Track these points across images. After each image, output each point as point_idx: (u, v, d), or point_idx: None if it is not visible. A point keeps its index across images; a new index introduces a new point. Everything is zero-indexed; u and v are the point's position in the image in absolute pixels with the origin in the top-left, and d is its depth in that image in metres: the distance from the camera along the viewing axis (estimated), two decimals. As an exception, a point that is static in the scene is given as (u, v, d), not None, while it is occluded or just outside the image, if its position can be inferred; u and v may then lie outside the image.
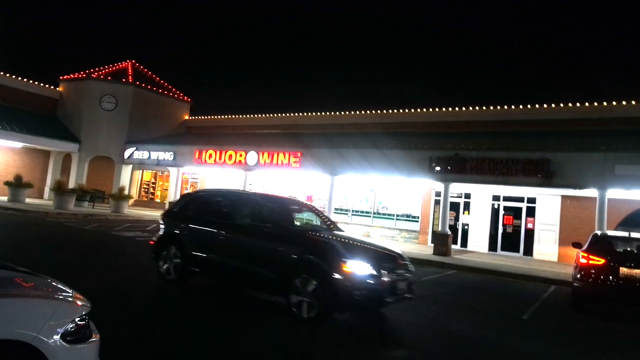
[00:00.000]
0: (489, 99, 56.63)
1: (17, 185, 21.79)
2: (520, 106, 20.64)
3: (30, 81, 27.44)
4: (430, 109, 23.00)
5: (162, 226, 8.28)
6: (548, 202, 18.48)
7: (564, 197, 18.01)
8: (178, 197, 25.10)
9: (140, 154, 26.55)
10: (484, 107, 21.63)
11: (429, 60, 67.88)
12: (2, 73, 26.03)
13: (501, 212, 19.52)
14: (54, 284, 2.94)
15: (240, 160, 22.01)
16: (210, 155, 23.07)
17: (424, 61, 68.48)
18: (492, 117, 21.26)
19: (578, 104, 19.41)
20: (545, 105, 20.05)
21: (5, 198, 21.91)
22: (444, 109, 22.66)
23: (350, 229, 22.30)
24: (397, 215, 21.60)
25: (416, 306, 8.04)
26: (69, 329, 2.57)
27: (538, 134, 18.58)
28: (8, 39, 60.18)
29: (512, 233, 19.21)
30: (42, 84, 28.09)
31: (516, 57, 66.11)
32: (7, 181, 22.01)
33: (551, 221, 18.32)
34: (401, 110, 23.84)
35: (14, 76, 26.57)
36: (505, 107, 21.04)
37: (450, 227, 18.65)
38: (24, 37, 63.80)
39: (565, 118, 19.30)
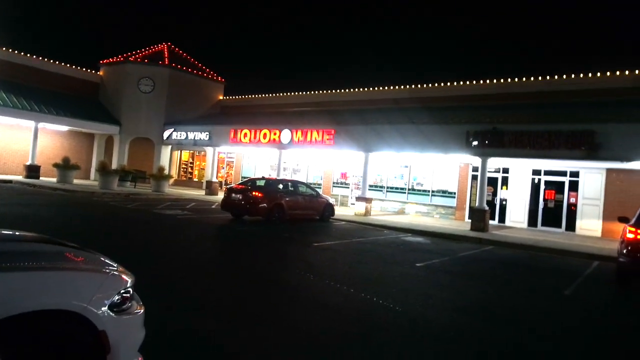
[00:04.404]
0: (528, 69, 54.31)
1: (65, 167, 22.88)
2: (564, 76, 19.67)
3: (73, 66, 28.43)
4: (467, 82, 22.31)
5: None
6: (592, 175, 17.72)
7: (609, 170, 17.21)
8: (215, 175, 25.77)
9: (178, 135, 27.21)
10: (523, 78, 20.75)
11: (464, 31, 65.40)
12: (47, 59, 27.07)
13: (542, 186, 18.91)
14: (101, 258, 3.11)
15: (274, 139, 22.18)
16: (245, 135, 23.35)
17: (458, 33, 66.05)
18: (531, 88, 20.38)
19: (618, 73, 18.29)
20: (589, 75, 19.02)
21: (54, 179, 23.09)
22: (481, 82, 21.91)
23: (385, 205, 22.27)
24: (433, 192, 21.32)
25: (453, 281, 8.01)
26: (115, 300, 2.72)
27: (581, 105, 17.71)
28: (51, 27, 62.25)
29: (553, 208, 18.61)
30: (84, 69, 29.05)
31: (557, 25, 62.71)
32: (56, 163, 23.13)
33: (595, 195, 17.60)
34: (436, 84, 23.23)
35: (57, 62, 27.58)
36: (547, 77, 20.12)
37: (488, 202, 18.28)
38: (65, 24, 65.82)
39: (610, 87, 18.28)
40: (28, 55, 26.23)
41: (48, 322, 2.37)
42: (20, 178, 22.83)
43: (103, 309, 2.62)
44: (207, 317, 5.04)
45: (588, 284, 9.02)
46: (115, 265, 3.02)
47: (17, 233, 3.34)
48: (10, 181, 21.42)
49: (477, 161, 17.41)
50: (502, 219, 19.61)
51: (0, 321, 2.14)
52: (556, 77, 19.89)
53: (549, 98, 19.50)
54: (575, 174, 18.13)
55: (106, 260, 3.08)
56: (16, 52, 25.72)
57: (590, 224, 17.60)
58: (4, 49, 25.19)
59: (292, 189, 16.04)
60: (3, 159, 25.01)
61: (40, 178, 23.52)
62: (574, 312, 6.75)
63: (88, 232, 10.10)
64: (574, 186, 18.16)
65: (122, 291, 2.80)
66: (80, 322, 2.48)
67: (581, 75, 19.24)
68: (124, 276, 2.92)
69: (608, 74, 18.62)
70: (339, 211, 18.98)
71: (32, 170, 23.44)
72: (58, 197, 17.63)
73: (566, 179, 18.35)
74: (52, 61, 27.31)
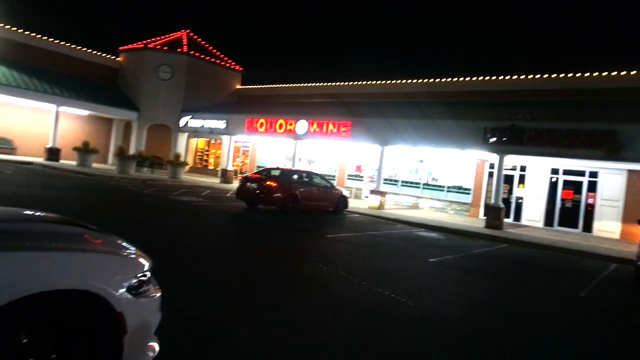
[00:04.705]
0: (549, 66, 53.26)
1: (84, 150, 23.26)
2: (586, 74, 19.21)
3: (94, 52, 28.75)
4: (485, 78, 21.94)
5: None
6: (611, 176, 17.37)
7: (630, 171, 16.84)
8: (230, 164, 25.91)
9: (195, 123, 27.38)
10: (543, 75, 20.33)
11: (483, 27, 64.30)
12: (68, 44, 27.42)
13: (560, 186, 18.61)
14: (119, 241, 3.15)
15: (290, 129, 22.18)
16: (262, 124, 23.38)
17: (477, 28, 64.98)
18: (552, 85, 19.96)
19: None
20: (611, 73, 18.53)
21: (74, 163, 23.49)
22: (500, 77, 21.54)
23: (399, 199, 22.18)
24: (448, 187, 21.14)
25: (466, 278, 7.96)
26: (133, 283, 2.76)
27: (603, 104, 17.30)
28: (72, 12, 62.93)
29: (571, 208, 18.31)
30: (104, 55, 29.36)
31: (578, 22, 61.23)
32: (76, 147, 23.51)
33: (614, 196, 17.26)
34: (454, 79, 22.90)
35: (78, 47, 27.92)
36: (568, 75, 19.67)
37: (504, 200, 18.06)
38: (87, 9, 66.46)
39: (634, 87, 17.78)
40: (50, 40, 26.59)
41: (68, 303, 2.41)
42: (40, 160, 23.26)
43: (121, 291, 2.65)
44: (219, 306, 5.09)
45: (604, 286, 8.87)
46: (134, 249, 3.05)
47: (38, 214, 3.39)
48: (31, 163, 21.84)
49: (494, 158, 17.18)
50: (517, 217, 19.38)
51: (21, 299, 2.18)
52: (577, 74, 19.44)
53: (570, 96, 19.08)
54: (594, 174, 17.80)
55: (124, 244, 3.11)
56: (39, 36, 26.09)
57: (608, 226, 17.29)
58: (27, 32, 25.57)
59: (306, 179, 16.06)
60: (24, 141, 25.49)
61: (60, 161, 23.93)
62: (589, 313, 6.65)
63: (106, 216, 10.25)
64: (592, 186, 17.83)
65: (140, 274, 2.83)
66: (99, 304, 2.51)
67: (604, 73, 18.77)
68: (141, 259, 2.95)
69: (633, 72, 18.14)
70: (353, 204, 18.95)
71: (53, 153, 23.86)
72: (77, 180, 17.93)
73: (585, 179, 18.02)
74: (73, 46, 27.65)
